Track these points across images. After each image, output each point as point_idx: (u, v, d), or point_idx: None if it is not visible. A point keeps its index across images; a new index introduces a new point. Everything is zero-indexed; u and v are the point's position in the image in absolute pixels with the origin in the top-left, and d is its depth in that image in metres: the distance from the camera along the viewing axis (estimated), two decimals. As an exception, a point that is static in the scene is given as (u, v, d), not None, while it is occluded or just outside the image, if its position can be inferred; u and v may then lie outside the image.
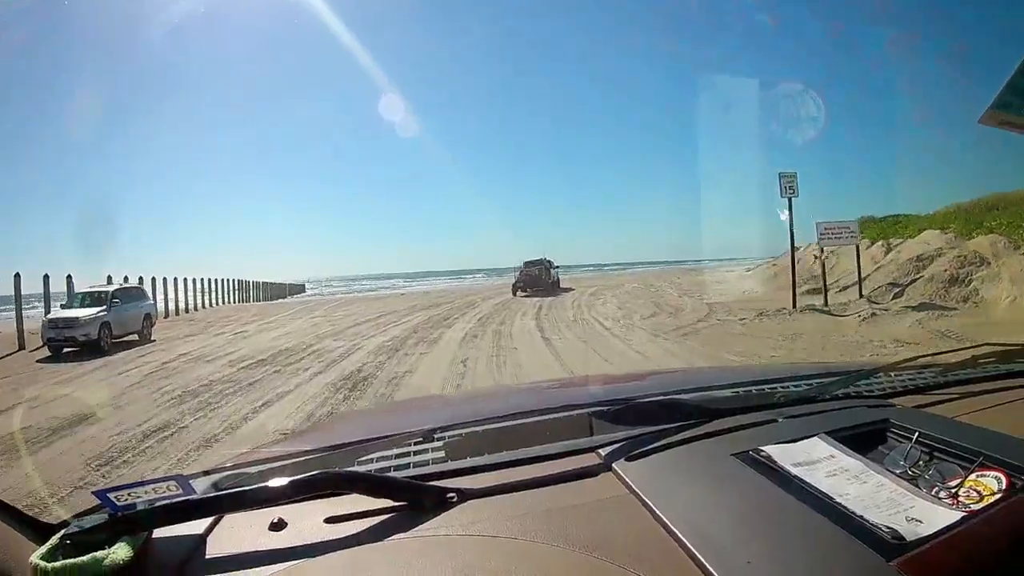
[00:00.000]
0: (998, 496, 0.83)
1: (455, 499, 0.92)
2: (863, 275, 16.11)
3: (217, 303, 31.28)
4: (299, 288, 57.95)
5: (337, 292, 53.78)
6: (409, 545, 0.81)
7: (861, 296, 14.90)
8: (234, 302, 33.79)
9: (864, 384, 1.51)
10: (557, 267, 32.07)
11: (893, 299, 14.27)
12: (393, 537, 0.82)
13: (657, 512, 0.84)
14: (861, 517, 0.79)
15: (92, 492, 0.83)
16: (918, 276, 15.19)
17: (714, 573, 0.70)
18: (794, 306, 14.60)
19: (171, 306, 24.99)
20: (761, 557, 0.72)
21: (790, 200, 14.83)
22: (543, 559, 0.76)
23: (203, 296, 29.49)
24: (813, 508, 0.82)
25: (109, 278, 19.96)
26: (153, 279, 24.09)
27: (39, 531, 0.84)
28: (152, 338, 16.62)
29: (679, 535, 0.78)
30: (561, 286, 30.15)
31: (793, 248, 15.92)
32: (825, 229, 15.38)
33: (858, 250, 15.82)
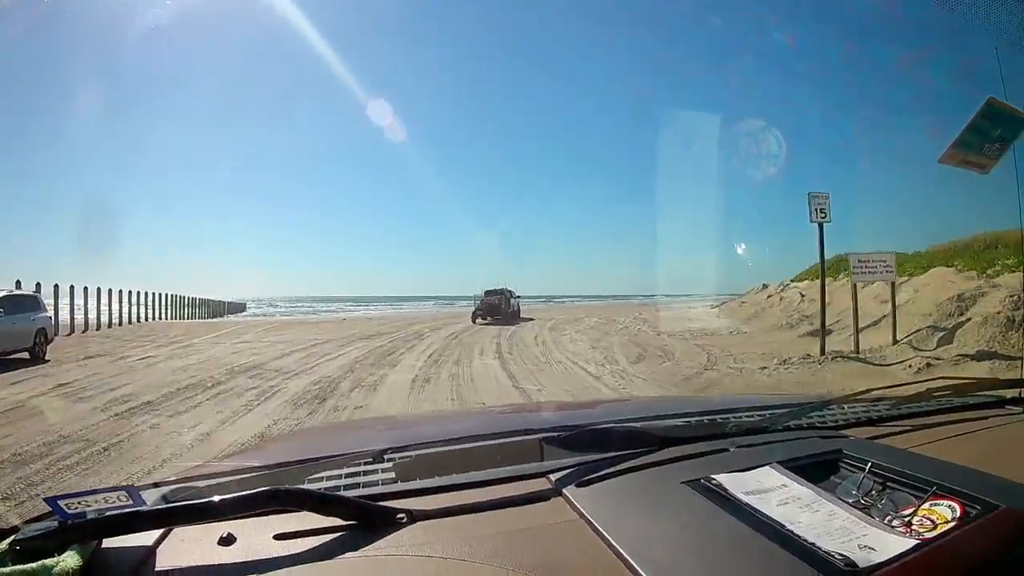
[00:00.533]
0: (952, 524, 0.83)
1: (404, 520, 0.91)
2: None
3: (149, 318, 28.54)
4: (239, 307, 54.97)
5: (279, 312, 50.68)
6: (357, 564, 0.80)
7: (896, 341, 12.18)
8: (167, 318, 30.80)
9: (817, 415, 1.51)
10: (518, 297, 31.59)
11: (939, 345, 11.63)
12: (341, 556, 0.81)
13: (607, 537, 0.83)
14: (813, 545, 0.78)
15: (43, 499, 0.80)
16: (964, 319, 12.66)
17: None
18: (822, 352, 11.95)
19: (94, 319, 22.52)
20: None
21: (821, 226, 12.14)
22: None
23: (137, 309, 27.39)
24: (765, 536, 0.81)
25: (18, 282, 16.35)
26: (71, 287, 21.60)
27: None
28: (46, 357, 13.68)
29: (629, 560, 0.76)
30: (521, 316, 29.60)
31: (824, 278, 13.21)
32: (859, 262, 12.74)
33: (893, 288, 13.12)
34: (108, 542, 0.81)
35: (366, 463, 1.17)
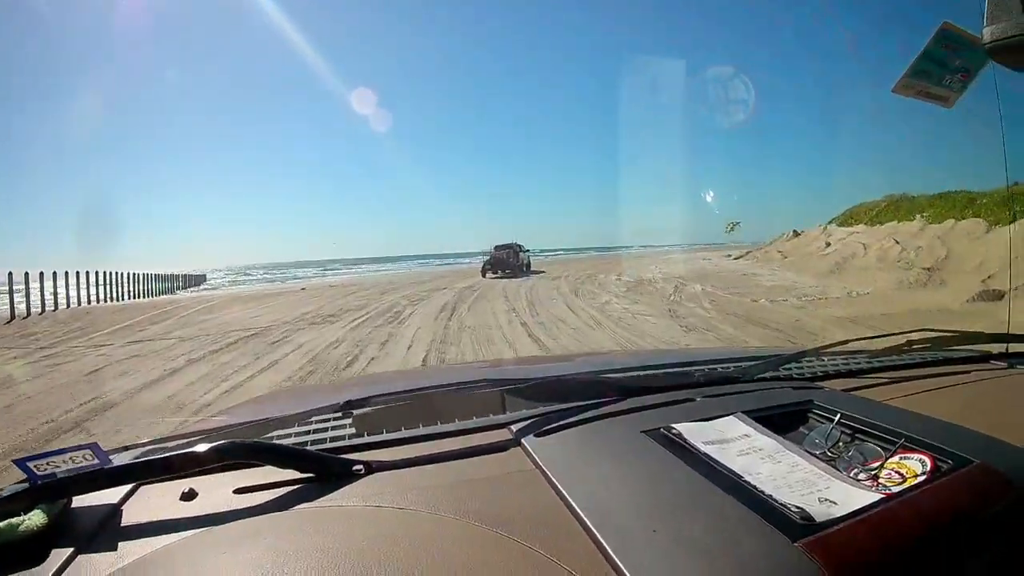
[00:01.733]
0: (921, 479, 0.81)
1: (362, 471, 0.90)
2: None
3: (102, 299, 25.24)
4: (199, 279, 48.53)
5: (241, 283, 44.71)
6: (312, 515, 0.79)
7: None
8: (120, 299, 27.00)
9: (792, 367, 1.47)
10: (527, 251, 30.98)
11: None
12: (297, 507, 0.81)
13: (559, 487, 0.82)
14: (770, 497, 0.76)
15: (12, 461, 0.81)
16: None
17: (607, 548, 0.67)
18: None
19: (38, 304, 19.59)
20: (659, 533, 0.70)
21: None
22: (441, 530, 0.74)
23: (87, 291, 24.41)
24: (720, 486, 0.79)
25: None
26: (10, 273, 20.47)
27: None
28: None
29: (577, 510, 0.76)
30: (531, 270, 29.28)
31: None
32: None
33: None
34: (77, 501, 0.81)
35: (329, 418, 1.16)
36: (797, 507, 0.72)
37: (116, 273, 28.62)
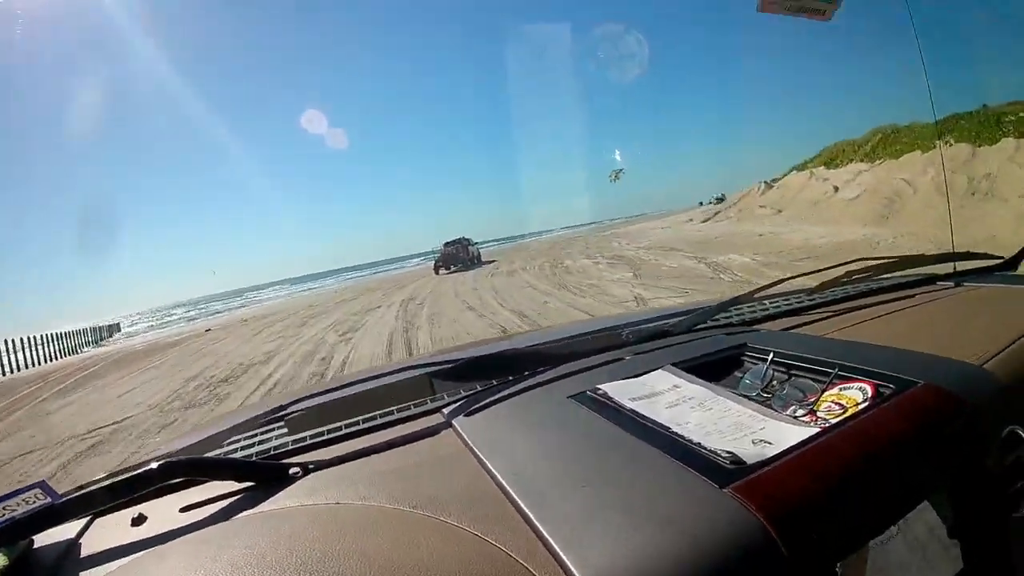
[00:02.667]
0: (863, 406, 0.78)
1: (299, 474, 0.89)
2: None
3: None
4: (110, 330, 41.54)
5: (156, 329, 37.46)
6: (251, 522, 0.79)
7: None
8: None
9: (723, 317, 1.38)
10: (476, 243, 31.08)
11: None
12: (237, 516, 0.81)
13: (487, 464, 0.81)
14: (698, 445, 0.73)
15: None
16: None
17: (531, 518, 0.66)
18: None
19: None
20: (582, 499, 0.68)
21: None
22: (374, 520, 0.73)
23: None
24: (646, 441, 0.77)
25: None
26: None
27: None
28: None
29: (504, 485, 0.75)
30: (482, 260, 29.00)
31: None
32: None
33: None
34: (39, 539, 0.81)
35: (264, 425, 1.14)
36: (727, 452, 0.69)
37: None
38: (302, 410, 1.16)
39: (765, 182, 27.30)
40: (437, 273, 26.35)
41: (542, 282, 14.46)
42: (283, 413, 1.16)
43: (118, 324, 48.41)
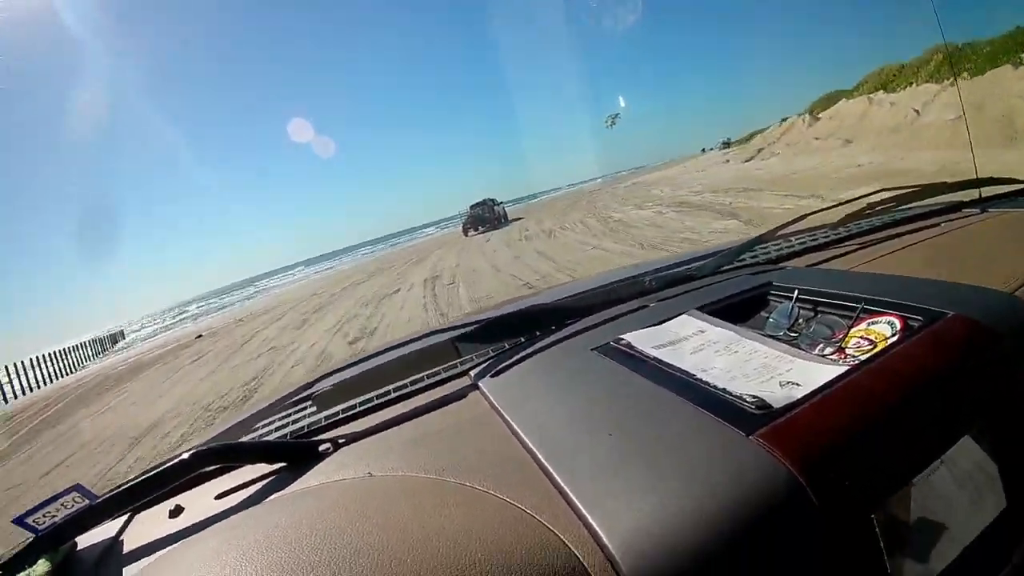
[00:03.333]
0: (892, 341, 0.75)
1: (329, 449, 0.88)
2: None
3: None
4: (113, 339, 38.86)
5: (162, 332, 34.94)
6: (283, 501, 0.78)
7: None
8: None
9: (748, 256, 1.34)
10: (501, 203, 30.88)
11: None
12: (270, 497, 0.80)
13: (512, 424, 0.80)
14: (724, 391, 0.70)
15: (12, 521, 0.80)
16: None
17: (556, 478, 0.65)
18: None
19: None
20: (606, 452, 0.66)
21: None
22: (404, 488, 0.72)
23: None
24: (670, 389, 0.74)
25: None
26: None
27: None
28: None
29: (529, 444, 0.73)
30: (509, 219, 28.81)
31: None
32: None
33: None
34: (81, 541, 0.81)
35: (293, 404, 1.14)
36: (753, 396, 0.66)
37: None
38: (330, 386, 1.12)
39: (810, 114, 24.93)
40: (466, 235, 26.52)
41: (606, 240, 11.20)
42: (311, 391, 1.15)
43: (122, 331, 46.07)
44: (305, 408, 1.10)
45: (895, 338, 0.75)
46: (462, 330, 1.15)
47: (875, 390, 0.64)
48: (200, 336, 17.13)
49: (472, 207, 29.29)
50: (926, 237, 1.24)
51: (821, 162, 16.11)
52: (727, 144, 55.83)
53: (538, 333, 1.09)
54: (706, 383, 0.72)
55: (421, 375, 1.07)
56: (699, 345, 0.85)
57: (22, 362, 24.13)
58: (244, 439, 1.06)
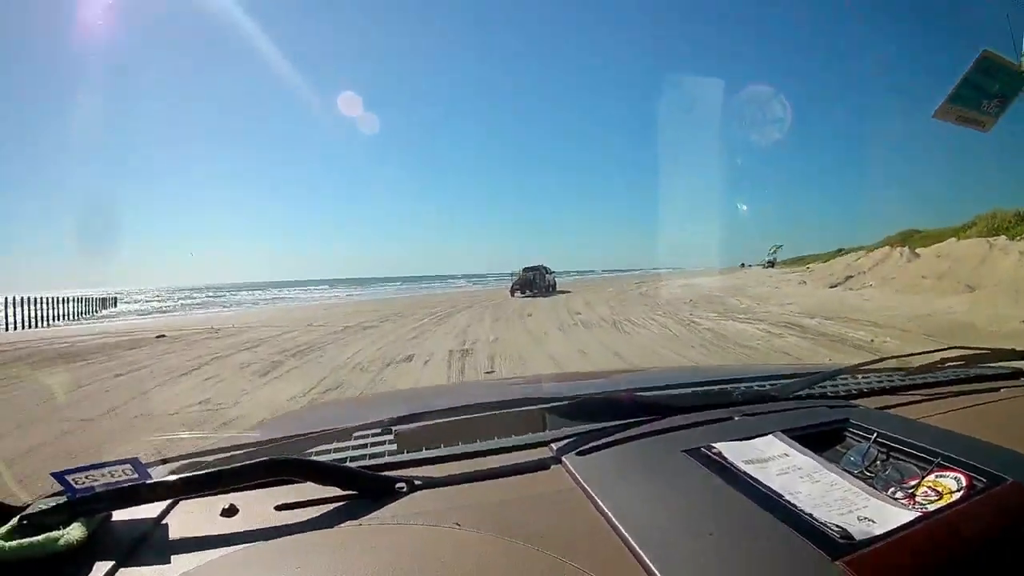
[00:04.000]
0: (957, 496, 0.78)
1: (404, 489, 0.87)
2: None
3: None
4: (104, 303, 39.02)
5: (135, 312, 32.98)
6: (354, 532, 0.77)
7: None
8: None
9: (828, 385, 1.40)
10: (552, 272, 31.49)
11: None
12: (340, 525, 0.79)
13: (600, 505, 0.79)
14: (810, 515, 0.73)
15: (51, 474, 0.79)
16: None
17: (651, 566, 0.65)
18: None
19: None
20: (699, 552, 0.67)
21: None
22: (483, 547, 0.72)
23: None
24: (760, 505, 0.76)
25: None
26: None
27: (1, 513, 0.80)
28: None
29: (620, 528, 0.73)
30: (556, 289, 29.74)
31: None
32: None
33: None
34: (116, 515, 0.80)
35: (371, 435, 1.11)
36: (837, 526, 0.70)
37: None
38: (410, 425, 1.12)
39: (910, 248, 22.43)
40: (513, 295, 26.71)
41: (713, 355, 8.14)
42: (390, 424, 1.14)
43: (116, 299, 45.41)
44: (382, 439, 1.08)
45: (960, 494, 0.77)
46: (548, 403, 1.15)
47: (943, 541, 0.67)
48: (162, 336, 13.90)
49: (525, 269, 29.38)
50: (989, 400, 1.29)
51: (948, 306, 12.97)
52: (772, 263, 54.90)
53: (623, 422, 1.09)
54: (794, 505, 0.75)
55: (505, 437, 1.06)
56: (784, 468, 0.87)
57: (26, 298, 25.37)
58: (313, 455, 1.03)
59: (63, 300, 30.81)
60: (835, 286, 22.03)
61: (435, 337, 11.63)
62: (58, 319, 27.79)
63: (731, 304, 16.45)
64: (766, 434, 0.99)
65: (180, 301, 47.14)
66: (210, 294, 62.09)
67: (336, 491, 0.85)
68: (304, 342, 11.56)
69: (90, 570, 0.70)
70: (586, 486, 0.85)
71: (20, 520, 0.74)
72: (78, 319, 27.95)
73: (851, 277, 22.94)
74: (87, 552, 0.72)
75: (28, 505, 0.79)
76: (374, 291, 52.24)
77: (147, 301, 50.10)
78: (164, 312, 31.86)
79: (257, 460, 0.83)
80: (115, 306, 40.71)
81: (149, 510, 0.82)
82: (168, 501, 0.84)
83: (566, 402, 1.16)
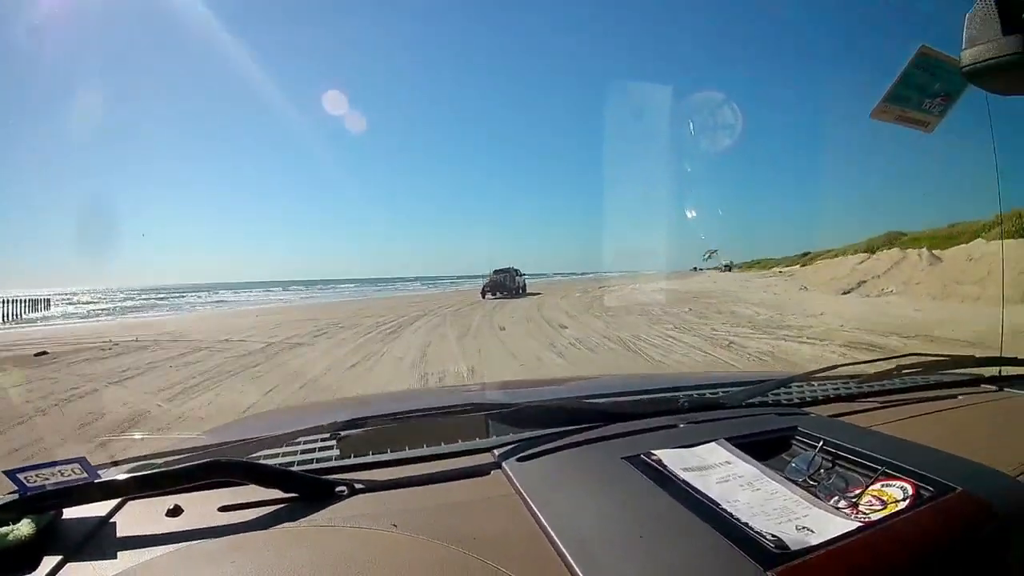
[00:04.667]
0: (903, 506, 0.77)
1: (345, 493, 0.88)
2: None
3: None
4: (34, 304, 35.48)
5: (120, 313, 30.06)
6: (294, 533, 0.78)
7: None
8: None
9: (781, 392, 1.40)
10: (523, 274, 31.33)
11: None
12: (280, 526, 0.80)
13: (536, 512, 0.81)
14: (746, 525, 0.72)
15: (2, 472, 0.81)
16: None
17: (577, 571, 0.66)
18: None
19: None
20: (627, 558, 0.68)
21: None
22: (416, 551, 0.73)
23: None
24: (696, 514, 0.75)
25: None
26: None
27: None
28: None
29: (552, 535, 0.74)
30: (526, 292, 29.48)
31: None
32: None
33: None
34: (66, 513, 0.81)
35: (316, 439, 1.11)
36: (773, 535, 0.69)
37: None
38: (354, 430, 1.10)
39: (930, 251, 20.18)
40: (483, 297, 26.45)
41: None
42: (335, 429, 1.11)
43: (48, 300, 40.86)
44: (326, 444, 1.08)
45: (905, 503, 0.77)
46: (491, 409, 1.15)
47: (883, 551, 0.67)
48: (43, 353, 10.67)
49: (495, 272, 28.91)
50: (945, 407, 1.28)
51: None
52: (728, 267, 53.91)
53: (565, 429, 1.08)
54: (730, 514, 0.74)
55: (447, 441, 1.06)
56: (725, 476, 0.87)
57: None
58: (259, 458, 1.03)
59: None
60: (848, 292, 19.92)
61: (380, 365, 8.42)
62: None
63: (747, 315, 13.57)
64: (709, 441, 0.98)
65: (121, 303, 43.46)
66: (159, 296, 57.54)
67: (278, 494, 0.85)
68: (208, 368, 8.40)
69: (37, 565, 0.71)
70: (523, 492, 0.86)
71: None
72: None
73: (864, 282, 20.66)
74: (35, 548, 0.73)
75: None
76: (331, 293, 49.32)
77: (88, 303, 46.14)
78: (89, 317, 28.31)
79: (201, 461, 0.84)
80: (47, 308, 36.81)
81: (97, 509, 0.82)
82: (116, 501, 0.85)
83: (509, 408, 1.15)
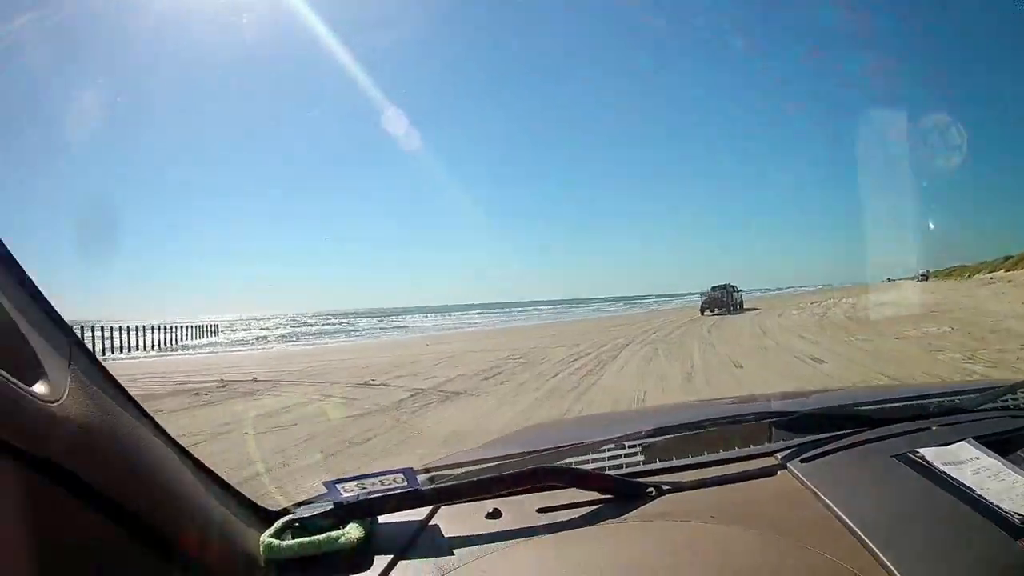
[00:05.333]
0: None
1: (653, 493, 0.93)
2: None
3: None
4: (204, 332, 39.52)
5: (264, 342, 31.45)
6: (611, 530, 0.83)
7: None
8: None
9: (1011, 397, 1.44)
10: (740, 291, 32.50)
11: None
12: (599, 524, 0.84)
13: (830, 505, 0.86)
14: (998, 506, 0.82)
15: (323, 482, 0.83)
16: None
17: (878, 552, 0.72)
18: None
19: None
20: (914, 539, 0.77)
21: None
22: (728, 538, 0.79)
23: None
24: (958, 499, 0.85)
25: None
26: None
27: (259, 515, 0.84)
28: None
29: (848, 522, 0.80)
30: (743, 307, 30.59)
31: None
32: None
33: None
34: (383, 519, 0.84)
35: (613, 447, 1.16)
36: (1019, 514, 0.79)
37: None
38: (659, 439, 1.16)
39: None
40: (702, 314, 27.56)
41: None
42: (639, 438, 1.16)
43: (217, 327, 45.37)
44: (631, 451, 1.13)
45: None
46: (775, 417, 1.23)
47: None
48: (256, 379, 10.05)
49: (713, 288, 30.32)
50: None
51: None
52: (925, 276, 52.46)
53: (839, 433, 1.13)
54: (984, 498, 0.83)
55: (736, 446, 1.11)
56: (976, 469, 0.94)
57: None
58: (571, 464, 1.06)
59: (163, 328, 31.57)
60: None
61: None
62: (155, 346, 28.44)
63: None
64: (959, 441, 1.05)
65: (295, 329, 45.90)
66: (342, 320, 60.38)
67: (592, 495, 0.90)
68: (297, 440, 6.21)
69: (371, 564, 0.76)
70: (814, 488, 0.91)
71: (287, 523, 0.79)
72: (166, 348, 27.63)
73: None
74: (367, 549, 0.77)
75: (287, 510, 0.82)
76: (527, 316, 48.79)
77: (262, 329, 48.74)
78: (236, 344, 29.79)
79: (523, 469, 0.90)
80: (216, 335, 40.29)
81: (415, 515, 0.85)
82: (430, 507, 0.88)
83: (788, 416, 1.22)
